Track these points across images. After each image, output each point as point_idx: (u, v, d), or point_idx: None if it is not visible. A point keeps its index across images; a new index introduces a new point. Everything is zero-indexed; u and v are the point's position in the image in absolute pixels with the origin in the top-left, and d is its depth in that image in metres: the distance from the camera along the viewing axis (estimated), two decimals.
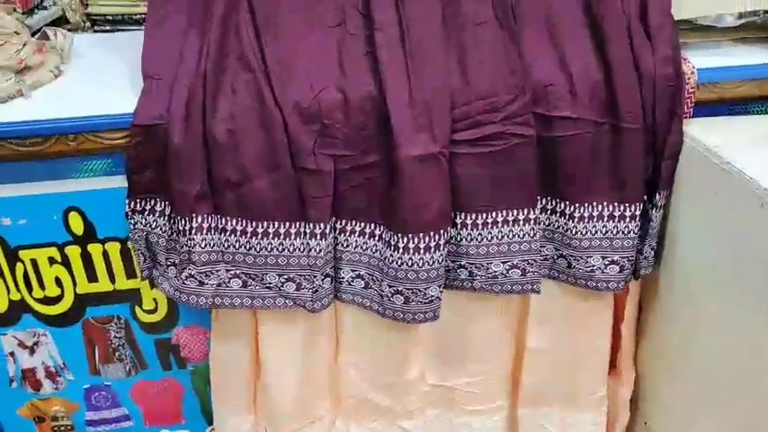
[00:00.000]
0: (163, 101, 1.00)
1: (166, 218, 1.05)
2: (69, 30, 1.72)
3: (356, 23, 1.04)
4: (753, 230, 0.90)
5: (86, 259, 1.13)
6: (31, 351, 1.22)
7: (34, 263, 1.12)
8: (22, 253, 1.11)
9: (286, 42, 1.03)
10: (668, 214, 1.10)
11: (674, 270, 1.12)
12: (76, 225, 1.10)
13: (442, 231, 1.02)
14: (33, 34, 1.33)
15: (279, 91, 1.00)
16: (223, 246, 1.05)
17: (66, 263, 1.13)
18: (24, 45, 1.10)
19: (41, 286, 1.14)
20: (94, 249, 1.12)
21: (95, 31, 1.84)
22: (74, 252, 1.12)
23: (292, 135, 1.00)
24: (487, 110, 1.02)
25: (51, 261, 1.12)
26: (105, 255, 1.13)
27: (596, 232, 1.07)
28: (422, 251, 1.02)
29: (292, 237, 1.05)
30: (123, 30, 1.88)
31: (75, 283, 1.15)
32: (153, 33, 1.09)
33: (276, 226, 1.04)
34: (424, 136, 0.99)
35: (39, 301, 1.16)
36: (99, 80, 1.13)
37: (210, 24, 1.02)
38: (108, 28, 1.87)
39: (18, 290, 1.14)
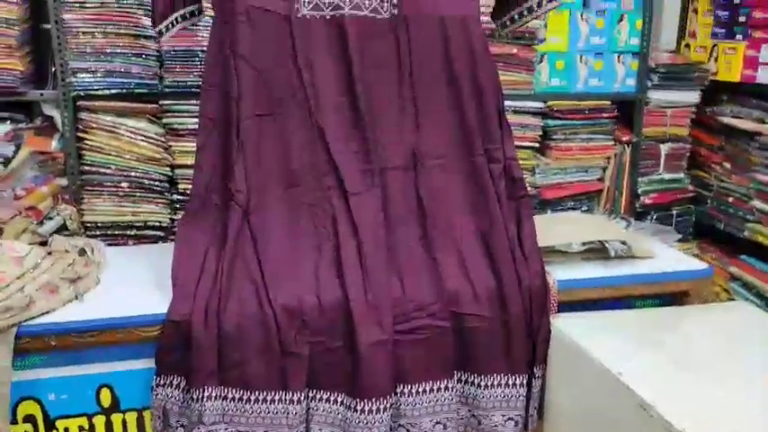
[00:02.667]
0: (188, 303, 1.39)
1: (182, 390, 1.39)
2: (66, 235, 2.11)
3: (328, 249, 1.50)
4: (602, 399, 1.34)
5: (109, 428, 1.43)
6: None
7: (66, 431, 1.41)
8: (58, 422, 1.40)
9: (278, 261, 1.47)
10: (546, 383, 1.54)
11: (554, 424, 1.54)
12: (105, 399, 1.41)
13: (389, 396, 1.41)
14: (43, 243, 1.68)
15: (272, 297, 1.41)
16: (225, 410, 1.39)
17: (92, 431, 1.42)
18: (74, 261, 1.47)
19: None
20: (116, 419, 1.43)
21: (88, 236, 2.22)
22: (99, 421, 1.42)
23: (281, 328, 1.40)
24: (417, 310, 1.47)
25: (80, 429, 1.42)
26: (124, 423, 1.44)
27: (496, 396, 1.50)
28: (374, 412, 1.40)
29: (276, 402, 1.41)
30: (113, 234, 2.27)
31: None
32: (181, 250, 1.49)
33: (265, 394, 1.40)
34: (376, 328, 1.42)
35: None
36: (129, 285, 1.50)
37: (224, 251, 1.44)
38: (98, 233, 2.25)
39: None
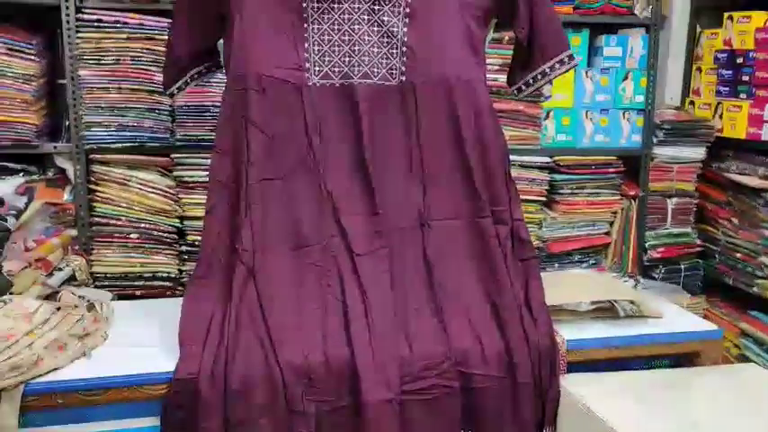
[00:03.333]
0: (194, 362, 1.38)
1: None
2: (75, 285, 2.12)
3: (335, 308, 1.50)
4: None
5: None
6: None
7: None
8: None
9: (284, 320, 1.46)
10: None
11: None
12: None
13: None
14: (49, 297, 1.68)
15: (279, 354, 1.41)
16: None
17: None
18: (83, 316, 1.48)
19: None
20: None
21: (96, 287, 2.23)
22: None
23: (287, 387, 1.39)
24: (425, 369, 1.46)
25: None
26: None
27: None
28: None
29: None
30: (121, 285, 2.28)
31: None
32: (189, 309, 1.49)
33: None
34: (383, 387, 1.40)
35: None
36: (137, 341, 1.50)
37: (230, 310, 1.44)
38: (107, 284, 2.26)
39: None
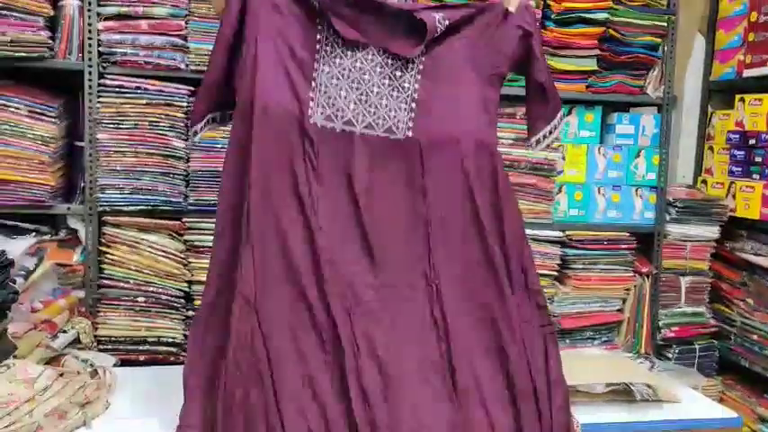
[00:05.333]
0: (196, 415, 1.34)
1: None
2: (78, 348, 2.08)
3: (334, 372, 1.45)
4: None
5: None
6: None
7: None
8: None
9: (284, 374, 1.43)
10: None
11: None
12: None
13: None
14: (52, 360, 1.65)
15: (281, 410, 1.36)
16: None
17: None
18: (86, 384, 1.44)
19: None
20: None
21: (99, 350, 2.19)
22: None
23: None
24: None
25: None
26: None
27: None
28: None
29: None
30: (125, 350, 2.24)
31: None
32: (193, 354, 1.45)
33: None
34: None
35: None
36: (137, 410, 1.46)
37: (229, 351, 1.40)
38: (110, 347, 2.23)
39: None
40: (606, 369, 1.74)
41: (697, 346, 2.79)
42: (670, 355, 2.74)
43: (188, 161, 2.32)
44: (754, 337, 2.66)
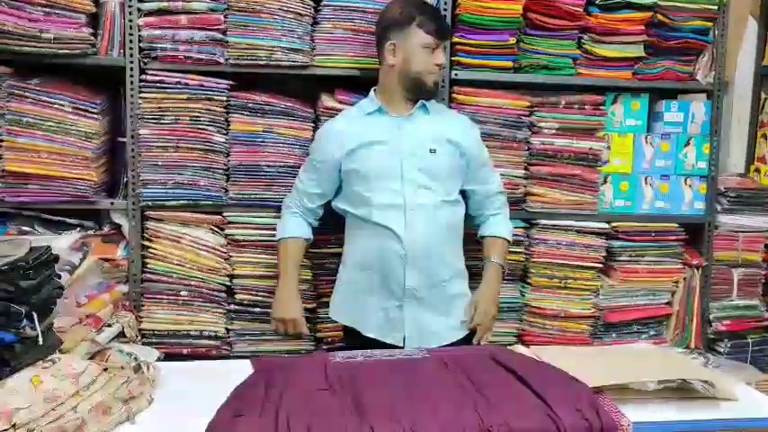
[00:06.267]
0: None
1: None
2: (122, 341, 2.10)
3: None
4: None
5: None
6: None
7: None
8: None
9: None
10: None
11: None
12: None
13: None
14: (96, 354, 1.65)
15: None
16: None
17: None
18: (129, 379, 1.44)
19: None
20: None
21: (143, 344, 2.21)
22: None
23: None
24: None
25: None
26: None
27: None
28: None
29: None
30: (169, 343, 2.26)
31: None
32: None
33: None
34: None
35: None
36: (178, 407, 1.45)
37: None
38: (154, 341, 2.24)
39: None
40: (658, 365, 1.68)
41: (750, 341, 2.70)
42: (721, 350, 2.66)
43: (228, 155, 2.32)
44: None
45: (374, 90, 2.15)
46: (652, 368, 1.63)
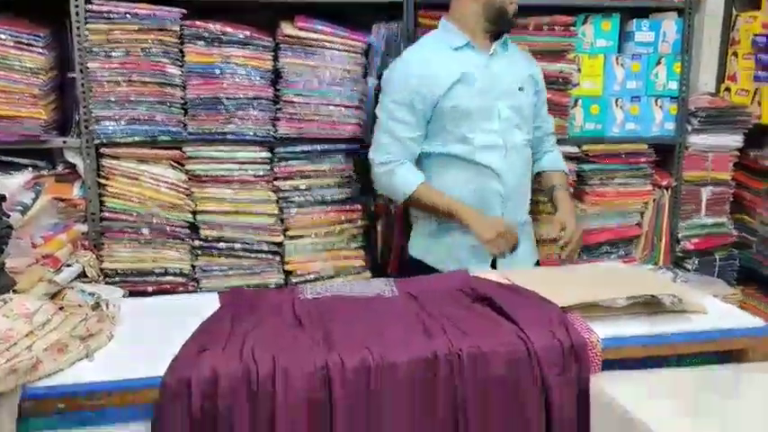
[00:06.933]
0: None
1: None
2: (84, 281, 2.05)
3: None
4: None
5: None
6: None
7: None
8: None
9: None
10: None
11: None
12: None
13: None
14: (56, 294, 1.60)
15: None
16: None
17: None
18: (87, 316, 1.40)
19: None
20: None
21: (107, 283, 2.15)
22: None
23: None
24: None
25: None
26: None
27: None
28: None
29: None
30: (133, 282, 2.21)
31: None
32: None
33: None
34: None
35: None
36: (140, 343, 1.41)
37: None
38: (117, 280, 2.19)
39: None
40: (627, 282, 1.67)
41: (717, 257, 2.72)
42: (689, 267, 2.68)
43: (184, 88, 2.22)
44: None
45: (446, 22, 2.05)
46: (621, 285, 1.62)
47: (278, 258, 2.34)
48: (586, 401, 1.39)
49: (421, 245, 2.13)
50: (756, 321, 1.56)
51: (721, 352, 1.51)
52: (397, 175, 2.02)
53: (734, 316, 1.60)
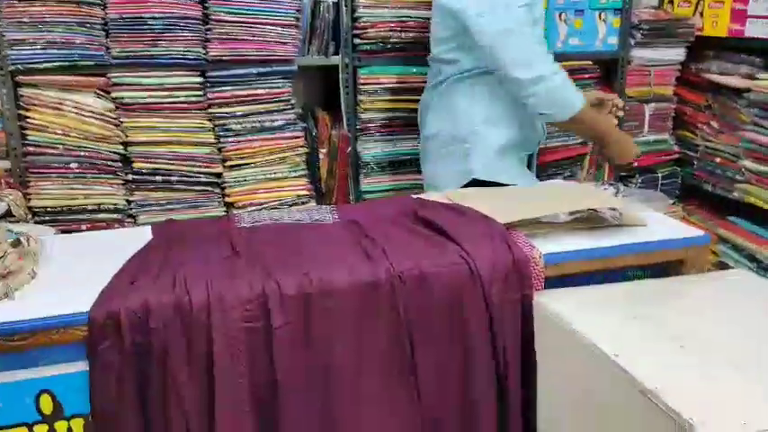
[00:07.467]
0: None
1: None
2: (11, 221, 1.94)
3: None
4: (597, 384, 1.21)
5: None
6: None
7: None
8: None
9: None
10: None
11: (546, 412, 1.41)
12: (47, 406, 1.26)
13: None
14: None
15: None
16: None
17: None
18: (6, 253, 1.31)
19: None
20: (60, 426, 1.28)
21: (36, 222, 2.05)
22: (42, 430, 1.27)
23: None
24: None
25: None
26: (70, 431, 1.29)
27: None
28: None
29: None
30: (65, 220, 2.11)
31: None
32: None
33: None
34: None
35: None
36: (69, 279, 1.34)
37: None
38: (48, 219, 2.08)
39: None
40: (570, 198, 1.66)
41: (659, 174, 2.75)
42: (633, 185, 2.70)
43: (105, 8, 2.07)
44: (717, 159, 2.61)
45: None
46: (563, 201, 1.60)
47: (218, 190, 2.26)
48: (530, 317, 1.39)
49: (491, 166, 2.03)
50: (696, 232, 1.57)
51: (663, 264, 1.52)
52: (569, 83, 1.91)
53: (674, 227, 1.61)
